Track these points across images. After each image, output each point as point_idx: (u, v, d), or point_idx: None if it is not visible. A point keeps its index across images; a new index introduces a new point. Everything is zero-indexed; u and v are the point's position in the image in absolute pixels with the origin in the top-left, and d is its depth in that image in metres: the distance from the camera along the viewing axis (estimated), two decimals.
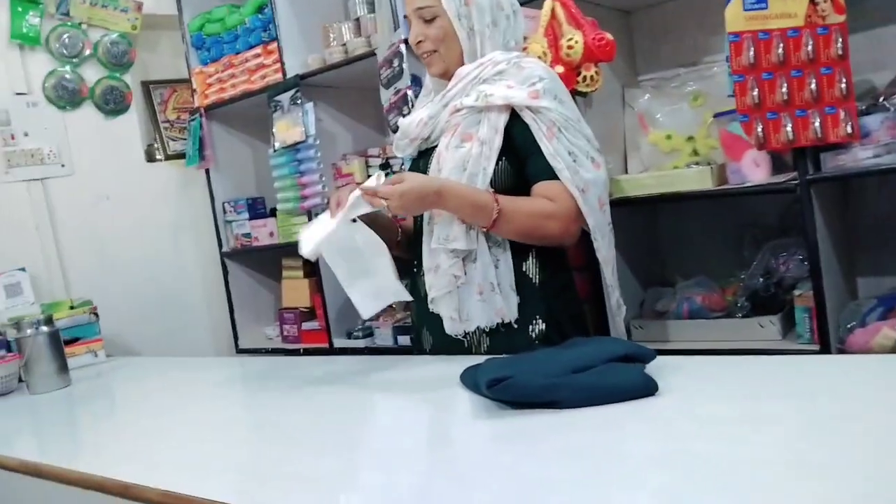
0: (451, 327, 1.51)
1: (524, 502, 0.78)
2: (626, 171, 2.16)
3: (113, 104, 2.92)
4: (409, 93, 2.13)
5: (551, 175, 1.45)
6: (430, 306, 1.53)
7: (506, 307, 1.47)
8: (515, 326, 1.49)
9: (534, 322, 1.50)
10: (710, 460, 0.82)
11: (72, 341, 2.31)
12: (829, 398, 0.97)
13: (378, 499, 0.85)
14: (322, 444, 1.10)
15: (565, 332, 1.51)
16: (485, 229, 1.45)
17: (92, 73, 2.87)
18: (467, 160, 1.45)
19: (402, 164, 1.73)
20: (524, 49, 1.80)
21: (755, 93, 1.64)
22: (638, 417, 0.98)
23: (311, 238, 1.47)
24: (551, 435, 0.96)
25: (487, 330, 1.50)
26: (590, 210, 1.48)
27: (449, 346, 1.54)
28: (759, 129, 1.65)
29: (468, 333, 1.51)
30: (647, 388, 1.04)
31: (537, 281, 1.51)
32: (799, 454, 0.80)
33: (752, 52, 1.62)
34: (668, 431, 0.93)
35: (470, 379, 1.20)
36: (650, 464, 0.84)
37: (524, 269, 1.51)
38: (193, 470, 1.08)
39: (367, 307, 1.48)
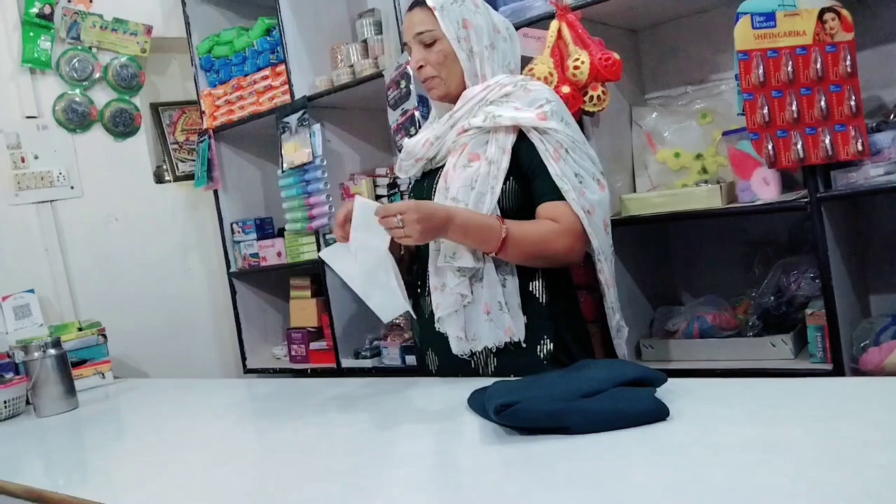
0: (458, 347, 1.50)
1: None
2: (635, 190, 2.15)
3: (122, 126, 2.94)
4: (417, 114, 2.13)
5: (557, 195, 1.46)
6: (437, 325, 1.52)
7: (514, 326, 1.47)
8: (524, 346, 1.48)
9: (542, 342, 1.49)
10: (722, 489, 0.80)
11: (80, 363, 2.31)
12: (845, 423, 0.95)
13: None
14: (328, 471, 1.09)
15: (572, 352, 1.51)
16: (492, 254, 1.44)
17: (102, 96, 2.90)
18: (475, 179, 1.46)
19: (410, 183, 1.72)
20: (530, 70, 1.81)
21: (765, 111, 1.63)
22: (649, 444, 0.97)
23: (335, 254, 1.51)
24: (560, 462, 0.95)
25: (495, 350, 1.49)
26: (595, 232, 1.48)
27: (455, 366, 1.53)
28: (770, 147, 1.64)
29: (475, 353, 1.50)
30: (659, 414, 1.02)
31: (544, 301, 1.51)
32: (814, 483, 0.78)
33: (761, 70, 1.62)
34: (680, 459, 0.91)
35: (478, 403, 1.18)
36: (661, 493, 0.82)
37: (531, 289, 1.51)
38: (197, 497, 1.07)
39: (385, 314, 1.46)
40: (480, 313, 1.48)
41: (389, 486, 0.97)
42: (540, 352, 1.49)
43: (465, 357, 1.51)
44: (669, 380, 1.13)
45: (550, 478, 0.90)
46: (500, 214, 1.46)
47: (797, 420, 1.00)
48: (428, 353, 1.60)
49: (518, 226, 1.44)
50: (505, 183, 1.46)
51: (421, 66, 1.55)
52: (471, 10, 1.55)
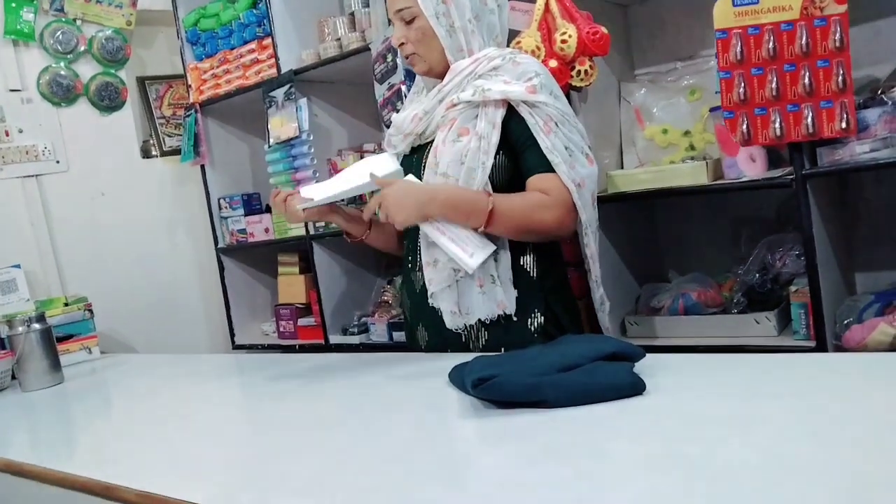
0: (452, 321, 1.50)
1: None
2: (622, 167, 2.14)
3: (108, 100, 2.91)
4: (403, 88, 2.11)
5: (547, 168, 1.45)
6: (430, 301, 1.52)
7: (506, 300, 1.48)
8: (514, 320, 1.49)
9: (533, 315, 1.50)
10: (697, 462, 0.80)
11: (66, 338, 2.30)
12: (823, 398, 0.96)
13: (359, 500, 0.84)
14: (307, 444, 1.09)
15: (563, 326, 1.52)
16: (480, 229, 1.43)
17: (87, 70, 2.86)
18: (465, 154, 1.45)
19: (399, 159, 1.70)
20: (517, 44, 1.79)
21: (741, 89, 1.62)
22: (625, 417, 0.97)
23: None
24: (536, 435, 0.95)
25: (487, 323, 1.49)
26: (583, 205, 1.48)
27: (446, 341, 1.54)
28: (745, 126, 1.64)
29: (468, 327, 1.50)
30: (635, 387, 1.02)
31: (535, 275, 1.51)
32: (789, 456, 0.78)
33: (739, 49, 1.61)
34: (656, 432, 0.92)
35: (458, 377, 1.18)
36: (636, 465, 0.82)
37: (521, 264, 1.51)
38: (179, 470, 1.07)
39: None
40: (474, 287, 1.48)
41: (367, 458, 0.97)
42: (531, 325, 1.50)
43: (457, 331, 1.51)
44: (648, 355, 1.14)
45: (526, 451, 0.91)
46: (490, 190, 1.45)
47: (775, 395, 1.00)
48: (418, 329, 1.60)
49: (506, 199, 1.43)
50: (495, 157, 1.46)
51: (402, 44, 1.55)
52: None
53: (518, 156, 1.48)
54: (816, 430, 0.85)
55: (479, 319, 1.49)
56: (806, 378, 1.06)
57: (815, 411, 0.91)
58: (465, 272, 1.46)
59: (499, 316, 1.48)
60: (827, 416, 0.89)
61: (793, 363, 1.17)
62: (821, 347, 1.66)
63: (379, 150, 2.55)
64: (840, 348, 1.65)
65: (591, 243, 1.55)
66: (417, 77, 1.66)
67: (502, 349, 1.46)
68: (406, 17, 1.52)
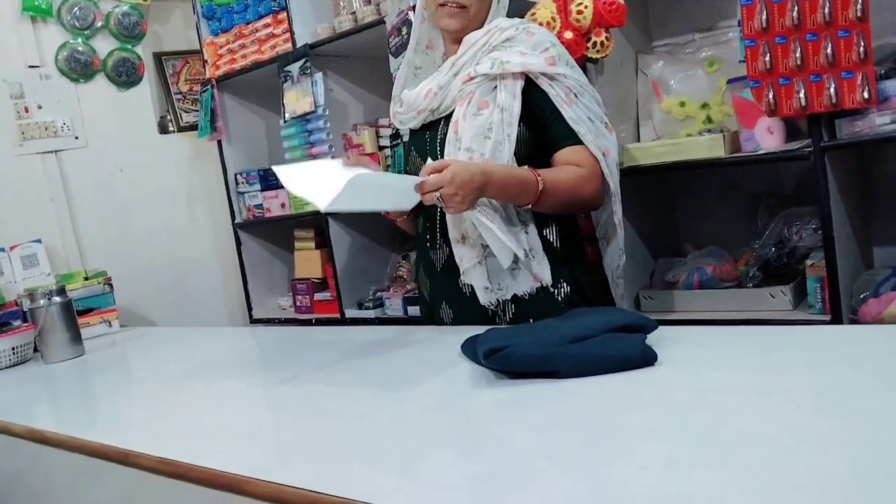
0: (486, 297, 1.49)
1: (517, 471, 0.77)
2: (639, 140, 2.12)
3: (125, 76, 2.92)
4: None
5: (574, 140, 1.45)
6: (462, 277, 1.51)
7: (541, 272, 1.48)
8: (542, 292, 1.48)
9: (559, 285, 1.50)
10: (707, 431, 0.81)
11: (86, 311, 2.34)
12: (836, 369, 0.95)
13: (372, 467, 0.85)
14: (322, 413, 1.11)
15: (587, 296, 1.54)
16: (528, 206, 1.42)
17: (104, 45, 2.87)
18: (488, 127, 1.44)
19: (404, 135, 1.70)
20: (532, 15, 1.78)
21: (767, 58, 1.60)
22: (636, 388, 0.97)
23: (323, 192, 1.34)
24: (547, 404, 0.96)
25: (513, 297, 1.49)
26: (610, 174, 1.49)
27: (472, 317, 1.52)
28: (771, 96, 1.61)
29: (501, 302, 1.50)
30: (646, 358, 1.03)
31: (558, 245, 1.51)
32: (801, 427, 0.78)
33: (764, 16, 1.58)
34: (666, 402, 0.92)
35: (470, 349, 1.19)
36: (646, 434, 0.83)
37: (545, 235, 1.51)
38: (196, 438, 1.09)
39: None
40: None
41: (381, 426, 0.98)
42: (558, 295, 1.50)
43: (489, 307, 1.50)
44: (661, 327, 1.13)
45: (536, 420, 0.91)
46: (515, 162, 1.44)
47: (787, 366, 1.00)
48: (442, 307, 1.59)
49: (552, 175, 1.42)
50: (518, 129, 1.45)
51: None
52: None
53: (544, 128, 1.47)
54: (830, 401, 0.85)
55: (515, 294, 1.49)
56: (820, 350, 1.06)
57: (829, 382, 0.91)
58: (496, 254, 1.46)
59: (546, 286, 1.48)
60: (841, 388, 0.88)
61: (807, 335, 1.16)
62: (836, 321, 1.65)
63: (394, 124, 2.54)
64: (856, 322, 1.64)
65: (618, 210, 1.56)
66: (409, 52, 1.64)
67: (531, 321, 1.45)
68: None
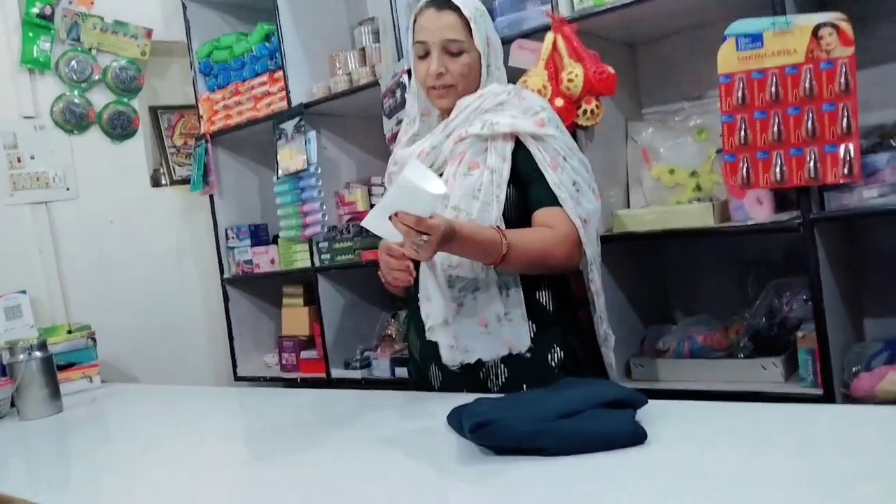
0: (450, 356, 1.47)
1: None
2: (629, 206, 2.13)
3: (120, 129, 2.93)
4: None
5: (553, 202, 1.45)
6: (427, 334, 1.49)
7: (515, 338, 1.45)
8: (528, 356, 1.46)
9: (552, 350, 1.48)
10: None
11: (67, 366, 2.29)
12: (831, 453, 0.93)
13: None
14: (300, 483, 1.08)
15: (580, 361, 1.52)
16: (493, 265, 1.41)
17: (100, 98, 2.89)
18: (478, 188, 1.44)
19: None
20: (524, 82, 1.80)
21: (743, 133, 1.62)
22: (625, 468, 0.95)
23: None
24: (534, 485, 0.93)
25: (502, 360, 1.47)
26: (589, 241, 1.48)
27: (462, 380, 1.49)
28: (745, 170, 1.63)
29: (476, 364, 1.47)
30: (636, 437, 1.00)
31: (551, 309, 1.50)
32: None
33: (741, 93, 1.61)
34: (655, 484, 0.89)
35: (456, 420, 1.16)
36: None
37: (538, 298, 1.50)
38: None
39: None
40: (475, 326, 1.46)
41: (363, 502, 0.95)
42: (551, 360, 1.48)
43: (455, 370, 1.48)
44: (651, 402, 1.11)
45: (523, 501, 0.89)
46: (503, 223, 1.44)
47: (780, 448, 0.97)
48: (431, 368, 1.56)
49: (518, 236, 1.41)
50: (506, 190, 1.45)
51: (441, 73, 1.50)
52: (491, 26, 1.55)
53: (525, 188, 1.48)
54: (823, 487, 0.83)
55: (480, 359, 1.46)
56: (814, 431, 1.04)
57: (822, 467, 0.89)
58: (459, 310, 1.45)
59: (518, 353, 1.46)
60: (835, 472, 0.86)
61: (798, 414, 1.15)
62: (828, 395, 1.63)
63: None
64: (848, 396, 1.62)
65: (596, 279, 1.55)
66: (409, 108, 1.66)
67: (524, 386, 1.43)
68: (453, 49, 1.49)
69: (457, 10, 1.49)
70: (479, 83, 1.53)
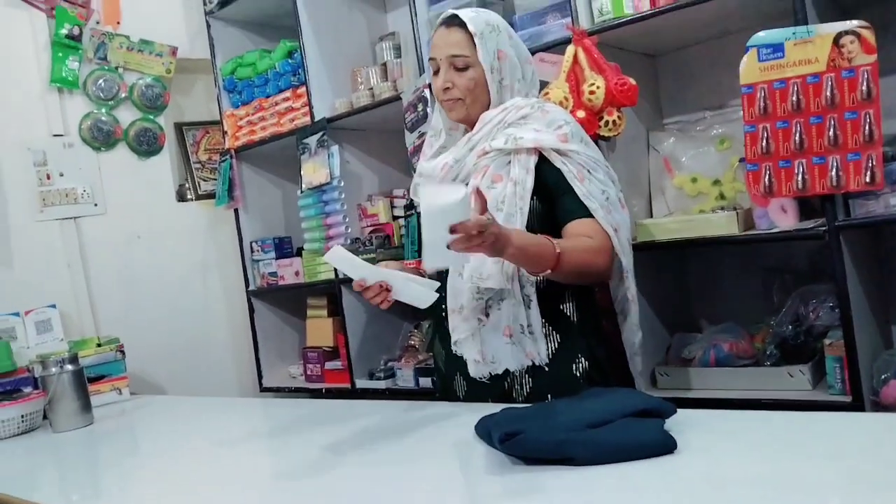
0: (476, 370, 1.49)
1: None
2: (651, 215, 2.13)
3: (146, 145, 2.98)
4: None
5: (585, 213, 1.45)
6: (454, 348, 1.52)
7: (535, 350, 1.46)
8: (553, 366, 1.47)
9: (577, 360, 1.49)
10: None
11: (97, 379, 2.33)
12: (859, 460, 0.93)
13: None
14: (329, 493, 1.09)
15: (605, 371, 1.52)
16: (545, 273, 1.39)
17: (127, 115, 2.94)
18: (501, 200, 1.46)
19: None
20: (545, 95, 1.82)
21: (765, 142, 1.63)
22: (654, 477, 0.95)
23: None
24: (564, 494, 0.93)
25: (526, 370, 1.48)
26: (623, 250, 1.50)
27: (486, 390, 1.51)
28: (766, 178, 1.63)
29: (501, 374, 1.49)
30: (666, 446, 1.01)
31: (576, 319, 1.51)
32: None
33: (763, 103, 1.62)
34: (685, 493, 0.90)
35: (484, 430, 1.17)
36: None
37: (562, 308, 1.51)
38: None
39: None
40: (501, 336, 1.47)
41: None
42: (576, 370, 1.49)
43: (484, 381, 1.49)
44: (679, 411, 1.12)
45: None
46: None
47: (809, 456, 0.97)
48: (456, 378, 1.58)
49: (567, 243, 1.41)
50: (530, 202, 1.47)
51: (447, 87, 1.53)
52: (505, 41, 1.55)
53: (554, 201, 1.49)
54: (854, 495, 0.83)
55: (507, 369, 1.48)
56: (844, 439, 1.03)
57: (853, 476, 0.89)
58: (485, 322, 1.47)
59: (542, 364, 1.47)
60: (864, 481, 0.86)
61: (827, 422, 1.14)
62: (857, 403, 1.61)
63: (408, 195, 2.58)
64: (878, 404, 1.61)
65: (632, 286, 1.57)
66: (435, 122, 1.68)
67: (548, 396, 1.45)
68: (459, 64, 1.52)
69: (464, 26, 1.52)
70: (488, 97, 1.54)
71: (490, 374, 1.49)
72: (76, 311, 2.75)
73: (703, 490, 0.90)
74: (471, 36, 1.51)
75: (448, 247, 1.20)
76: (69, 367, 2.01)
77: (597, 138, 1.85)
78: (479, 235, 1.21)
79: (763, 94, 1.62)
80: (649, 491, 0.92)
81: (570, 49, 1.85)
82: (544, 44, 1.98)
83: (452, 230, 1.18)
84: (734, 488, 0.89)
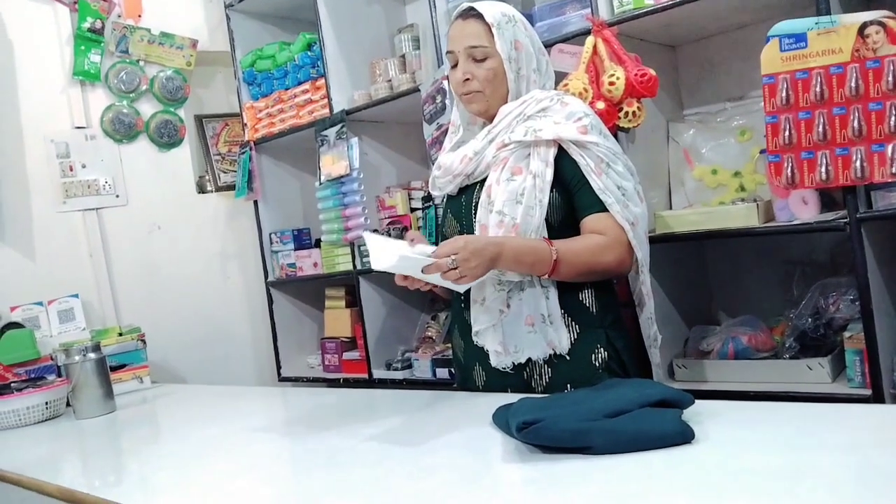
0: (498, 360, 1.50)
1: None
2: (671, 207, 2.12)
3: (167, 137, 3.01)
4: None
5: (601, 208, 1.47)
6: (475, 339, 1.53)
7: (557, 339, 1.47)
8: (572, 356, 1.48)
9: (596, 351, 1.50)
10: None
11: (119, 367, 2.36)
12: (878, 452, 0.92)
13: None
14: (348, 482, 1.10)
15: (623, 362, 1.53)
16: (546, 276, 1.44)
17: (147, 108, 2.98)
18: (521, 193, 1.46)
19: (443, 199, 1.72)
20: (565, 86, 1.81)
21: (787, 133, 1.61)
22: (672, 466, 0.95)
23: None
24: (582, 482, 0.94)
25: (548, 362, 1.49)
26: (639, 244, 1.50)
27: (506, 381, 1.52)
28: (789, 170, 1.62)
29: (527, 366, 1.50)
30: (683, 436, 1.01)
31: (595, 310, 1.52)
32: None
33: (785, 93, 1.60)
34: (703, 484, 0.90)
35: (502, 419, 1.18)
36: None
37: (581, 299, 1.51)
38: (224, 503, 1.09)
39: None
40: (522, 325, 1.48)
41: (408, 500, 0.97)
42: (595, 360, 1.49)
43: (507, 370, 1.50)
44: (697, 402, 1.12)
45: (571, 499, 0.90)
46: (545, 228, 1.47)
47: (827, 447, 0.97)
48: (475, 369, 1.59)
49: (566, 245, 1.44)
50: (549, 195, 1.47)
51: (467, 79, 1.54)
52: (521, 31, 1.56)
53: (571, 195, 1.49)
54: (872, 486, 0.82)
55: (531, 358, 1.48)
56: (862, 429, 1.03)
57: (870, 466, 0.88)
58: (506, 313, 1.48)
59: (561, 354, 1.48)
60: (883, 472, 0.86)
61: (845, 413, 1.14)
62: (877, 396, 1.60)
63: (426, 187, 2.58)
64: None
65: (647, 280, 1.57)
66: (454, 118, 1.68)
67: (568, 386, 1.46)
68: (477, 55, 1.53)
69: (481, 17, 1.53)
70: (507, 88, 1.54)
71: (513, 363, 1.50)
72: (98, 301, 2.79)
73: (721, 479, 0.90)
74: (488, 27, 1.52)
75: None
76: (92, 355, 2.04)
77: (616, 129, 1.84)
78: (454, 269, 1.35)
79: (785, 84, 1.60)
80: (667, 480, 0.92)
81: (590, 40, 1.85)
82: (564, 35, 1.98)
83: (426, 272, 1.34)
84: (751, 478, 0.89)
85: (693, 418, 1.06)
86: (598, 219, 1.47)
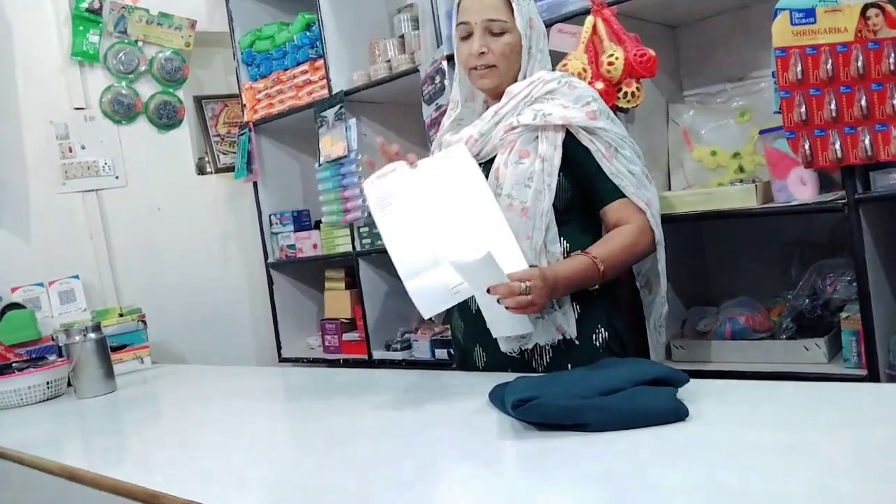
0: (507, 345, 1.50)
1: None
2: (670, 188, 2.12)
3: (166, 118, 3.00)
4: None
5: (618, 194, 1.48)
6: (489, 325, 1.52)
7: (566, 323, 1.48)
8: (578, 339, 1.49)
9: (596, 332, 1.51)
10: (736, 492, 0.79)
11: (119, 348, 2.38)
12: (871, 429, 0.93)
13: None
14: (347, 459, 1.11)
15: (624, 342, 1.54)
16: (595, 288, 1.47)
17: (147, 89, 2.97)
18: (529, 176, 1.46)
19: None
20: (564, 66, 1.81)
21: (802, 109, 1.60)
22: (666, 443, 0.96)
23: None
24: (576, 458, 0.95)
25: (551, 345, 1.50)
26: (656, 224, 1.51)
27: (505, 362, 1.52)
28: (807, 147, 1.61)
29: (525, 350, 1.50)
30: (677, 413, 1.01)
31: (595, 291, 1.51)
32: (832, 489, 0.77)
33: (799, 68, 1.58)
34: (696, 460, 0.91)
35: (498, 397, 1.19)
36: (674, 494, 0.82)
37: None
38: (224, 481, 1.10)
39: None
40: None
41: (406, 476, 0.98)
42: (595, 341, 1.50)
43: (514, 354, 1.51)
44: (692, 381, 1.12)
45: (564, 474, 0.91)
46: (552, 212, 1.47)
47: (821, 425, 0.98)
48: (475, 350, 1.60)
49: (606, 250, 1.45)
50: (557, 179, 1.47)
51: (483, 53, 1.52)
52: (534, 9, 1.57)
53: (588, 183, 1.50)
54: (864, 463, 0.83)
55: (538, 343, 1.49)
56: (856, 408, 1.04)
57: (862, 442, 0.89)
58: None
59: (570, 337, 1.49)
60: (876, 449, 0.86)
61: (839, 392, 1.14)
62: (873, 377, 1.61)
63: None
64: (893, 378, 1.60)
65: (662, 258, 1.58)
66: (454, 94, 1.67)
67: (568, 367, 1.46)
68: (495, 28, 1.51)
69: None
70: (520, 65, 1.54)
71: (520, 348, 1.50)
72: (98, 282, 2.80)
73: (714, 456, 0.91)
74: (507, 1, 1.51)
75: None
76: (92, 335, 2.04)
77: (615, 110, 1.83)
78: (525, 294, 1.29)
79: (798, 59, 1.59)
80: (661, 457, 0.93)
81: (590, 20, 1.84)
82: (563, 14, 1.97)
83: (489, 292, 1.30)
84: (745, 455, 0.89)
85: (687, 397, 1.06)
86: (620, 205, 1.48)
